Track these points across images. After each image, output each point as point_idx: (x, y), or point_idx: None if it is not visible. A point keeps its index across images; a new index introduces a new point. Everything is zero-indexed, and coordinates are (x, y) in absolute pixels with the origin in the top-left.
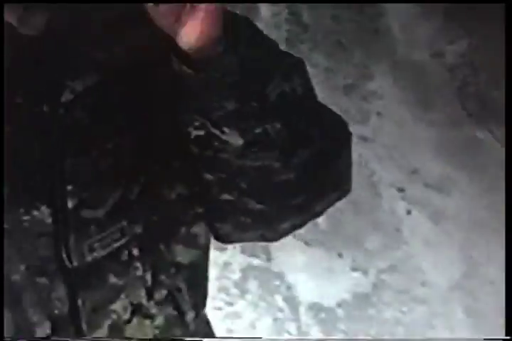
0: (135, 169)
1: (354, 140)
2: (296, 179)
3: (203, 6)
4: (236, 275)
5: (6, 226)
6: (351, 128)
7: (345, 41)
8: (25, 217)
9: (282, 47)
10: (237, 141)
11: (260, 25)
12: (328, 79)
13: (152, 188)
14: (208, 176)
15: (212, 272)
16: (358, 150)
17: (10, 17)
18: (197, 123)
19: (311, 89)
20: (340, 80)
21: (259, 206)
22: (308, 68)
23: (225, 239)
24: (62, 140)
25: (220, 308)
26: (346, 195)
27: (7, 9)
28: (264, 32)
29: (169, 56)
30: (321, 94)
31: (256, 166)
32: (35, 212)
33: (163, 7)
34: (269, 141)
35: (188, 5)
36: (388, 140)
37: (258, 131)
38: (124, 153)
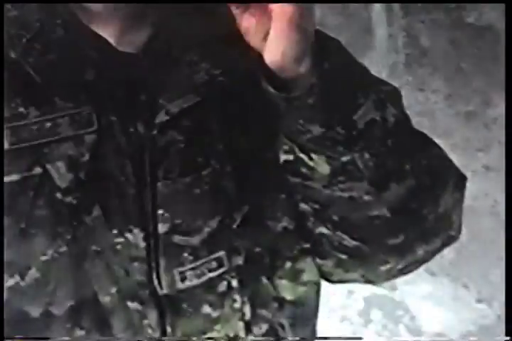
0: (236, 196)
1: (476, 169)
2: (392, 216)
3: (287, 22)
4: (360, 305)
5: (96, 248)
6: (472, 156)
7: (465, 66)
8: (118, 239)
9: (400, 70)
10: (324, 168)
11: (377, 49)
12: (449, 105)
13: (256, 219)
14: (303, 206)
15: (336, 301)
16: (480, 180)
17: (107, 33)
18: (286, 147)
19: (405, 120)
20: (460, 107)
21: (354, 242)
22: (429, 94)
23: (329, 278)
24: (155, 162)
25: None
26: (453, 242)
27: (104, 24)
28: (381, 55)
29: (257, 75)
30: (443, 121)
31: (345, 197)
32: (129, 235)
33: (250, 22)
34: (357, 171)
35: (274, 20)
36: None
37: (345, 159)
38: (221, 179)
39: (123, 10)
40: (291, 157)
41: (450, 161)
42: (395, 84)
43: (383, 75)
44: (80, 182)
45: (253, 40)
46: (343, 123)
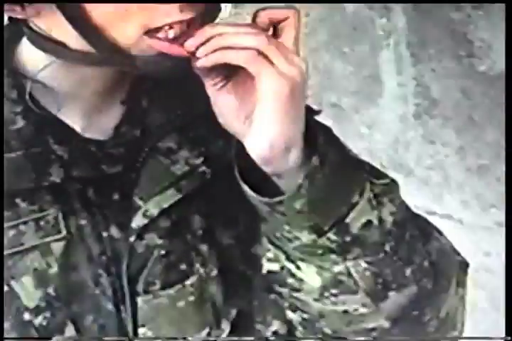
0: (223, 302)
1: (489, 225)
2: (391, 326)
3: (277, 102)
4: None
5: None
6: (485, 212)
7: (477, 117)
8: None
9: (410, 122)
10: (314, 279)
11: (385, 99)
12: (461, 159)
13: (245, 323)
14: (291, 315)
15: None
16: (492, 238)
17: (72, 117)
18: (270, 255)
19: (404, 215)
20: (473, 160)
21: None
22: (440, 147)
23: None
24: (134, 273)
25: None
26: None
27: (70, 106)
28: (390, 106)
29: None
30: (454, 176)
31: (339, 311)
32: None
33: (228, 101)
34: (352, 282)
35: (259, 99)
36: None
37: (338, 269)
38: (207, 286)
39: (90, 87)
40: (276, 266)
41: (452, 250)
42: (404, 136)
43: (392, 128)
44: (50, 299)
45: (231, 123)
46: (335, 228)
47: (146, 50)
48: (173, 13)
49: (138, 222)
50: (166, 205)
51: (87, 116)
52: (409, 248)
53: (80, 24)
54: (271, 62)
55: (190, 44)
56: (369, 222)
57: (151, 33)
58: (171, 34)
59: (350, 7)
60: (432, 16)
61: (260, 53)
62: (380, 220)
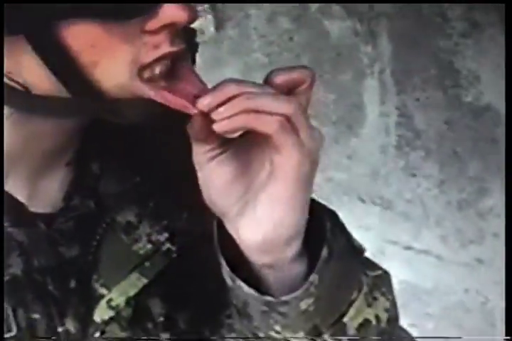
0: None
1: (468, 262)
2: None
3: (289, 182)
4: None
5: None
6: (464, 249)
7: (460, 150)
8: None
9: (391, 153)
10: None
11: (367, 129)
12: (442, 192)
13: None
14: None
15: None
16: (471, 275)
17: (16, 189)
18: None
19: (396, 317)
20: (454, 195)
21: None
22: (421, 179)
23: None
24: None
25: None
26: None
27: (13, 171)
28: (371, 136)
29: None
30: (434, 210)
31: None
32: None
33: (221, 174)
34: None
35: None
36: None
37: None
38: None
39: (37, 146)
40: None
41: None
42: (385, 168)
43: (373, 159)
44: None
45: (220, 201)
46: (332, 328)
47: (134, 93)
48: (162, 45)
49: (102, 314)
50: (132, 293)
51: (31, 183)
52: None
53: (54, 56)
54: (297, 134)
55: (207, 103)
56: (366, 321)
57: (141, 72)
58: (157, 71)
59: (335, 32)
60: (418, 44)
61: (289, 121)
62: (377, 318)
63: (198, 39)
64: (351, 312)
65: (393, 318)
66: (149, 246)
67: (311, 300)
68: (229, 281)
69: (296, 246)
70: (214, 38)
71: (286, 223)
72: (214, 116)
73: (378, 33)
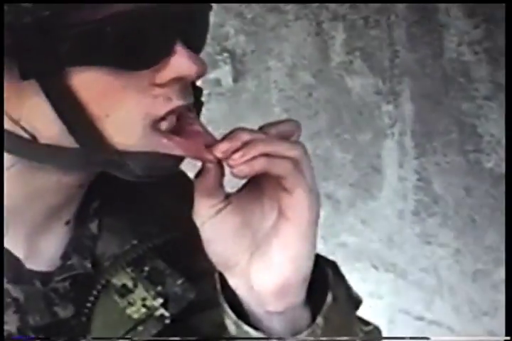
0: None
1: (480, 334)
2: None
3: (301, 229)
4: None
5: None
6: (476, 320)
7: (478, 218)
8: None
9: (408, 219)
10: None
11: (384, 194)
12: (456, 262)
13: None
14: None
15: None
16: None
17: (15, 245)
18: None
19: None
20: (469, 264)
21: None
22: (436, 248)
23: None
24: None
25: None
26: None
27: (13, 236)
28: (388, 200)
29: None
30: (448, 280)
31: None
32: None
33: (230, 228)
34: None
35: (279, 224)
36: None
37: None
38: None
39: (41, 202)
40: None
41: None
42: (400, 234)
43: (388, 225)
44: None
45: (227, 252)
46: None
47: (146, 146)
48: (173, 98)
49: None
50: None
51: (29, 240)
52: None
53: (64, 102)
54: (304, 176)
55: (225, 149)
56: None
57: (155, 124)
58: (163, 126)
59: (356, 89)
60: (441, 105)
61: (298, 164)
62: None
63: (216, 90)
64: None
65: None
66: (143, 310)
67: None
68: (233, 329)
69: (304, 291)
70: (232, 89)
71: (302, 263)
72: (231, 161)
73: (401, 91)
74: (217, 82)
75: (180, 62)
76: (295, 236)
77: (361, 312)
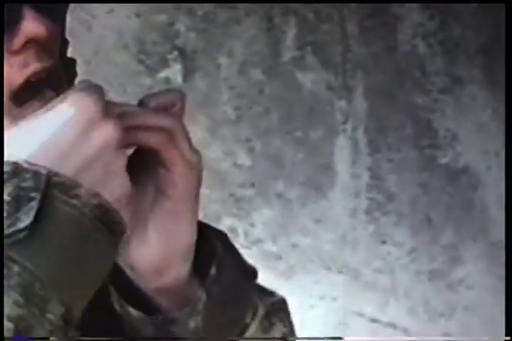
0: None
1: (436, 335)
2: None
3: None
4: None
5: None
6: (432, 322)
7: (434, 216)
8: None
9: (361, 218)
10: None
11: (336, 192)
12: (412, 261)
13: None
14: None
15: None
16: None
17: None
18: None
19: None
20: (424, 264)
21: None
22: (391, 247)
23: None
24: None
25: None
26: None
27: None
28: (341, 199)
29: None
30: (403, 280)
31: None
32: None
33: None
34: None
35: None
36: None
37: None
38: None
39: None
40: None
41: None
42: (353, 234)
43: (341, 224)
44: None
45: None
46: None
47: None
48: (30, 63)
49: None
50: None
51: None
52: None
53: None
54: (179, 147)
55: None
56: None
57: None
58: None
59: (308, 85)
60: (395, 100)
61: (172, 136)
62: None
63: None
64: (245, 336)
65: None
66: None
67: (199, 318)
68: (118, 308)
69: (189, 265)
70: (182, 88)
71: (181, 238)
72: None
73: (353, 86)
74: (167, 81)
75: (27, 26)
76: (171, 212)
77: (314, 313)
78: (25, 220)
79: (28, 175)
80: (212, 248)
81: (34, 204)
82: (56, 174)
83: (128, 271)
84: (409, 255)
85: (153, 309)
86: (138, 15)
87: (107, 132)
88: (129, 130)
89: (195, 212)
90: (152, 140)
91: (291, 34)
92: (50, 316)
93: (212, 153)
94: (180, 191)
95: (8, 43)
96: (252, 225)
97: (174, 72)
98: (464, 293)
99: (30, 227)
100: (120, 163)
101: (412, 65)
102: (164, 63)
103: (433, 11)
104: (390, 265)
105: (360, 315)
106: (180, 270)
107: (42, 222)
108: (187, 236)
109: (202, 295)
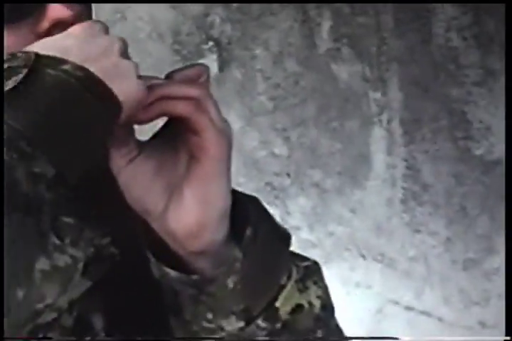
0: None
1: (470, 325)
2: None
3: (214, 164)
4: None
5: None
6: (467, 310)
7: (469, 206)
8: None
9: (396, 207)
10: None
11: (371, 182)
12: (447, 251)
13: None
14: None
15: None
16: (475, 339)
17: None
18: None
19: (330, 305)
20: (459, 253)
21: None
22: (426, 236)
23: None
24: None
25: None
26: None
27: None
28: (377, 188)
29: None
30: (438, 269)
31: None
32: None
33: (144, 174)
34: None
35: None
36: None
37: None
38: None
39: None
40: None
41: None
42: (389, 223)
43: (376, 213)
44: None
45: (144, 197)
46: (265, 312)
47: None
48: None
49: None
50: (74, 296)
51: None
52: (339, 336)
53: None
54: (209, 116)
55: None
56: (299, 307)
57: None
58: None
59: (343, 77)
60: (429, 92)
61: (200, 104)
62: (310, 304)
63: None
64: (282, 297)
65: (327, 305)
66: (92, 249)
67: (237, 278)
68: (156, 273)
69: (225, 229)
70: (217, 78)
71: (215, 202)
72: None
73: (388, 78)
74: None
75: (53, 8)
76: (204, 177)
77: (350, 300)
78: (10, 85)
79: (19, 54)
80: (246, 211)
81: (21, 75)
82: (49, 56)
83: (165, 237)
84: (444, 244)
85: (192, 272)
86: (173, 7)
87: (112, 38)
88: (159, 100)
89: (228, 177)
90: (181, 108)
91: (326, 26)
92: (36, 170)
93: (249, 143)
94: (211, 156)
95: (36, 27)
96: (288, 213)
97: (210, 62)
98: (498, 281)
99: (15, 89)
100: (130, 68)
101: (447, 58)
102: (200, 53)
103: (466, 5)
104: (425, 254)
105: (396, 302)
106: (216, 233)
107: (27, 85)
108: (221, 200)
109: (239, 254)
